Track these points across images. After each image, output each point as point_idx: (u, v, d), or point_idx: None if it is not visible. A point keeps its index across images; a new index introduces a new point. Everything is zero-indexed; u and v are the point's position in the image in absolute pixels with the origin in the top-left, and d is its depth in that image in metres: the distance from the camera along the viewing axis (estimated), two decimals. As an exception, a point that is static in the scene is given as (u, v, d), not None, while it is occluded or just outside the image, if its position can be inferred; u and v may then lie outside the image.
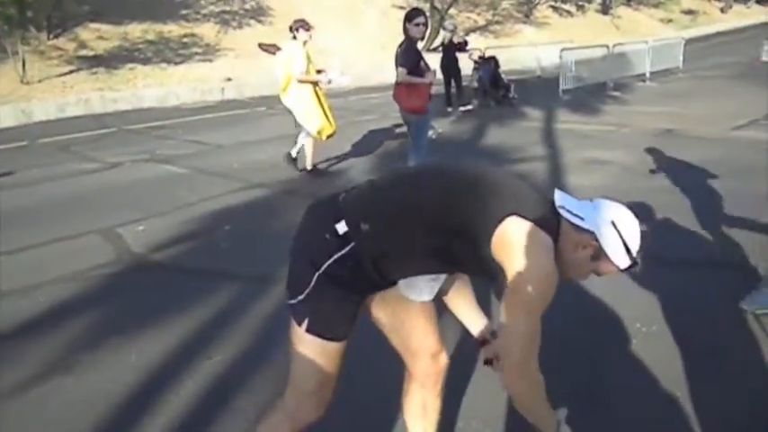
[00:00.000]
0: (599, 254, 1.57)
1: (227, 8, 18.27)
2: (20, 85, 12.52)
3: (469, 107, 11.43)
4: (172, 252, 4.69)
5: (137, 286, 4.12)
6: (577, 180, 6.18)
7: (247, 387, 2.81)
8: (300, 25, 6.29)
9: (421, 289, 1.74)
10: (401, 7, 21.95)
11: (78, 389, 2.87)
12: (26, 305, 3.80)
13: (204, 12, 17.83)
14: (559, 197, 1.62)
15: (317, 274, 1.62)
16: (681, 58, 16.30)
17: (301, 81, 6.27)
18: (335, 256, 1.60)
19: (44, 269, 4.37)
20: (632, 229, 1.57)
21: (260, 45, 7.26)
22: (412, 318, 1.83)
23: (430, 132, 6.56)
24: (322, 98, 6.50)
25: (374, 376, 2.66)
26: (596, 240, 1.55)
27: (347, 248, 1.59)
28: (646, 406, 2.59)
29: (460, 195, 1.57)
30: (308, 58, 6.31)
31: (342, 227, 1.60)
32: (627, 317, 3.32)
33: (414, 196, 1.62)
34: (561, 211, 1.59)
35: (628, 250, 1.56)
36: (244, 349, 3.17)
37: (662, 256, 4.16)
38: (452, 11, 21.48)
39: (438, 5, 19.52)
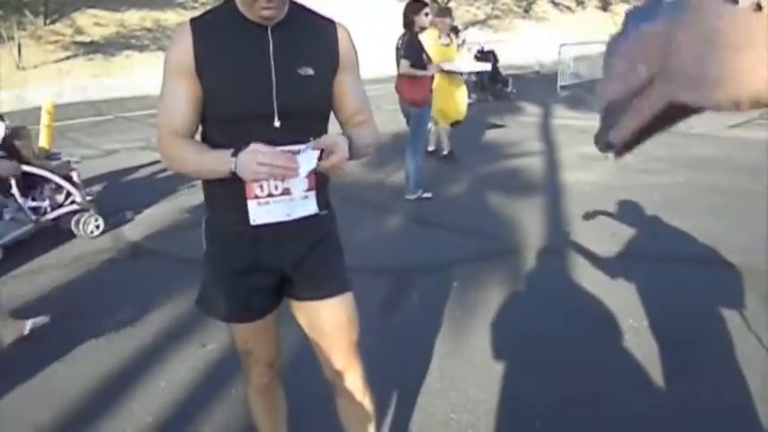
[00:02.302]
0: None
1: (225, -4, 18.18)
2: (16, 70, 12.44)
3: (468, 101, 11.40)
4: (166, 240, 4.67)
5: (131, 273, 4.12)
6: (574, 176, 6.19)
7: (241, 375, 2.80)
8: None
9: None
10: (401, -1, 21.91)
11: (72, 372, 2.87)
12: (27, 288, 3.80)
13: (202, 0, 17.74)
14: None
15: None
16: (679, 56, 16.29)
17: None
18: None
19: (43, 253, 4.36)
20: None
21: None
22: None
23: (428, 125, 6.56)
24: None
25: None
26: None
27: None
28: (639, 401, 2.60)
29: None
30: None
31: None
32: (619, 313, 3.33)
33: None
34: None
35: None
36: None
37: (657, 253, 4.18)
38: (452, 4, 21.41)
39: (438, -1, 19.46)
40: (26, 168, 4.34)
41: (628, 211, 4.95)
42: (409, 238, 4.73)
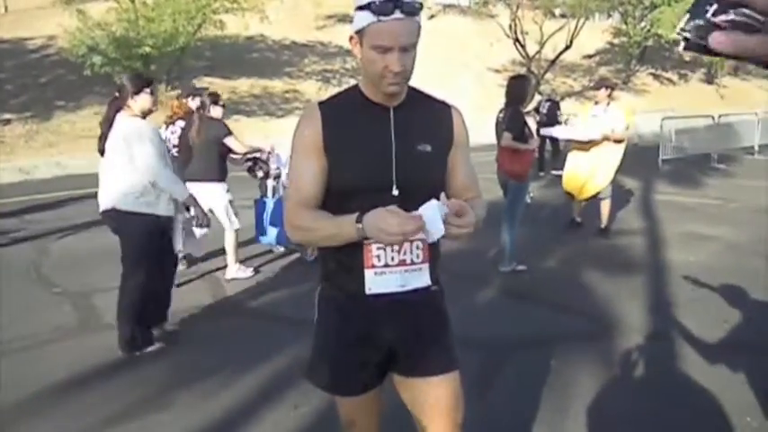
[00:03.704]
0: (359, 36, 1.55)
1: (329, 67, 19.22)
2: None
3: (562, 172, 11.24)
4: (265, 299, 4.84)
5: (231, 329, 4.27)
6: (679, 256, 5.89)
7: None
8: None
9: None
10: (496, 70, 22.27)
11: (171, 427, 2.98)
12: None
13: (307, 70, 18.86)
14: None
15: None
16: (794, 132, 15.43)
17: None
18: None
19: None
20: None
21: None
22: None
23: (527, 198, 6.55)
24: None
25: None
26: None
27: None
28: None
29: None
30: None
31: None
32: (733, 408, 3.07)
33: None
34: None
35: (362, 7, 1.51)
36: (329, 399, 3.18)
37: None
38: (548, 75, 21.51)
39: (534, 70, 19.63)
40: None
41: (739, 297, 4.62)
42: (503, 311, 4.63)
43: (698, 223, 7.22)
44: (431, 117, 1.70)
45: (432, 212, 1.44)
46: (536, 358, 3.72)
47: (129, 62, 13.14)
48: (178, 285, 4.84)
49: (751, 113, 15.39)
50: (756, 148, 14.22)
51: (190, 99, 5.55)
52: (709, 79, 27.52)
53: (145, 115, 3.73)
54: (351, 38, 1.59)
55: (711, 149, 13.17)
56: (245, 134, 14.65)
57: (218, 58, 17.75)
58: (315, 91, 17.80)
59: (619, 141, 6.38)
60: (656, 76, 26.45)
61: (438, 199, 1.62)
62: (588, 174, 6.56)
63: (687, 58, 28.53)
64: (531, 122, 6.83)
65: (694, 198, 8.94)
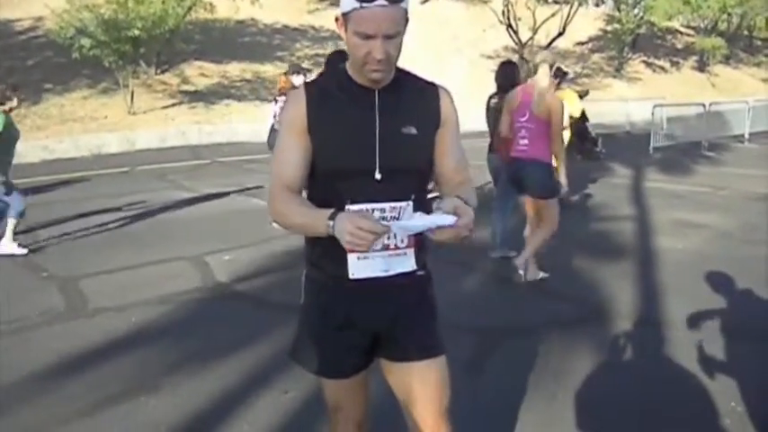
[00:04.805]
0: (344, 19, 1.53)
1: (321, 51, 19.06)
2: (127, 115, 13.47)
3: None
4: (254, 283, 4.82)
5: (219, 314, 4.26)
6: (669, 242, 5.92)
7: (321, 424, 2.81)
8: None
9: None
10: (488, 57, 22.18)
11: (159, 410, 2.97)
12: (118, 323, 4.01)
13: (299, 54, 18.69)
14: None
15: None
16: (785, 120, 15.51)
17: None
18: None
19: (137, 290, 4.60)
20: None
21: None
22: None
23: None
24: None
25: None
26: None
27: None
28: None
29: None
30: None
31: None
32: (719, 394, 3.10)
33: None
34: None
35: None
36: (319, 384, 3.17)
37: (760, 332, 3.90)
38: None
39: (527, 57, 19.57)
40: None
41: (726, 284, 4.65)
42: (493, 297, 4.65)
43: (687, 210, 7.26)
44: (417, 99, 1.67)
45: (423, 223, 1.44)
46: (525, 344, 3.73)
47: (117, 45, 12.94)
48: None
49: (741, 101, 15.45)
50: (746, 136, 14.28)
51: (294, 75, 6.34)
52: (701, 67, 27.54)
53: None
54: (336, 19, 1.57)
55: (702, 137, 13.22)
56: (237, 118, 14.59)
57: (209, 41, 17.55)
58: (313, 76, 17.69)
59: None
60: (648, 64, 26.44)
61: (424, 184, 1.61)
62: None
63: (679, 46, 28.57)
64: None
65: (684, 185, 8.97)
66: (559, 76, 6.37)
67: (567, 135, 6.31)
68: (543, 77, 4.62)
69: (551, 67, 4.77)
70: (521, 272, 4.70)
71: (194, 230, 6.42)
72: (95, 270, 5.08)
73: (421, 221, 1.45)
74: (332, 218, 1.46)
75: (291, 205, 1.59)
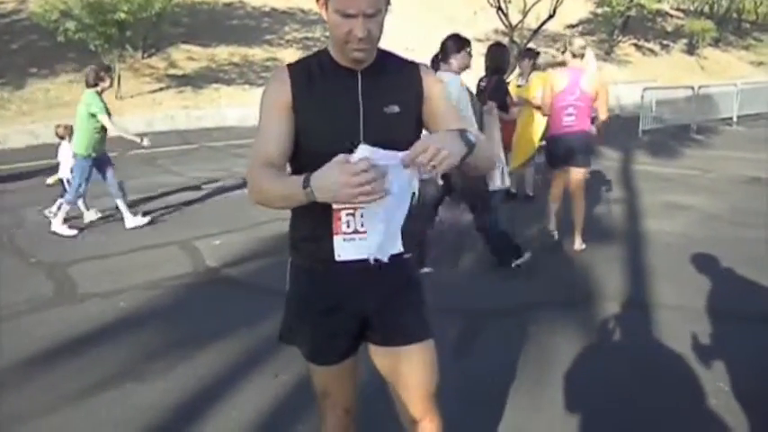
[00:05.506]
0: None
1: (310, 35, 18.89)
2: (114, 99, 13.30)
3: (543, 141, 11.27)
4: (244, 268, 4.82)
5: (209, 298, 4.25)
6: (657, 224, 5.95)
7: (311, 408, 2.82)
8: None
9: None
10: (479, 40, 22.07)
11: (148, 395, 2.97)
12: (107, 309, 3.99)
13: (288, 38, 18.51)
14: None
15: None
16: (772, 103, 15.57)
17: None
18: None
19: (126, 276, 4.58)
20: None
21: None
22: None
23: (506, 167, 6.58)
24: None
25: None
26: None
27: None
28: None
29: None
30: None
31: None
32: (705, 374, 3.14)
33: None
34: None
35: None
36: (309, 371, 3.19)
37: (747, 312, 3.94)
38: (531, 45, 21.36)
39: (517, 40, 19.49)
40: None
41: (714, 266, 4.69)
42: (480, 279, 4.66)
43: (676, 193, 7.29)
44: (398, 77, 1.66)
45: (383, 156, 1.39)
46: (513, 326, 3.75)
47: (103, 28, 12.76)
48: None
49: (730, 84, 15.49)
50: (735, 119, 14.34)
51: None
52: (691, 50, 27.53)
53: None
54: None
55: (691, 120, 13.26)
56: (225, 103, 14.47)
57: (196, 24, 17.34)
58: (295, 59, 17.50)
59: (538, 108, 6.43)
60: (638, 47, 26.40)
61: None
62: (514, 143, 6.62)
63: (669, 29, 28.54)
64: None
65: (672, 168, 9.01)
66: (532, 57, 6.53)
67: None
68: (591, 60, 4.94)
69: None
70: (582, 246, 5.19)
71: (184, 215, 6.39)
72: (83, 256, 5.06)
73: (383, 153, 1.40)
74: (306, 185, 1.39)
75: (268, 179, 1.52)
